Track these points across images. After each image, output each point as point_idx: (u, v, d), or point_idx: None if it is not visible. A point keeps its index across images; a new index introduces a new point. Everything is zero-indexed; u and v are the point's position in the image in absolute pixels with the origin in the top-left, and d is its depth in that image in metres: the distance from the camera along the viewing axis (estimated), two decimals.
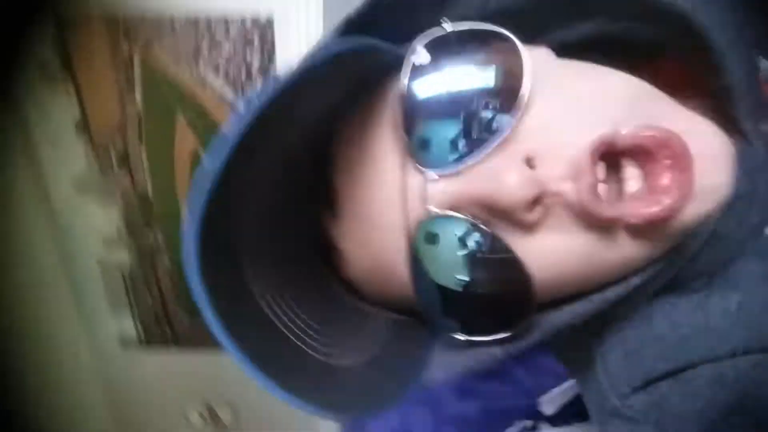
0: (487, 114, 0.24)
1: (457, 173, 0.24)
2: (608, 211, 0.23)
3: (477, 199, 0.24)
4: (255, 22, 1.01)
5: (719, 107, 0.27)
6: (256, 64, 1.05)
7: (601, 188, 0.24)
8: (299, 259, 0.29)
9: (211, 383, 1.54)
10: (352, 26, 0.29)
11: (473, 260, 0.24)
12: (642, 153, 0.23)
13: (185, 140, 1.13)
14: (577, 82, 0.26)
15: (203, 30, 1.02)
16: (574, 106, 0.24)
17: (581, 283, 0.26)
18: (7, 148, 1.13)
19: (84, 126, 1.13)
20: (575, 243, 0.24)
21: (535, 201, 0.23)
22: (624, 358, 0.28)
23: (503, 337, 0.26)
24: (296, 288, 0.28)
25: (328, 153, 0.29)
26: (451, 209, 0.24)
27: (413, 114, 0.25)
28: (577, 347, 0.32)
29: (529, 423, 0.45)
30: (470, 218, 0.24)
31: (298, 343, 0.26)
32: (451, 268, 0.25)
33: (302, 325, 0.26)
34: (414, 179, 0.25)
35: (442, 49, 0.26)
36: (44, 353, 1.30)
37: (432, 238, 0.25)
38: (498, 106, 0.24)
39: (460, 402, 0.55)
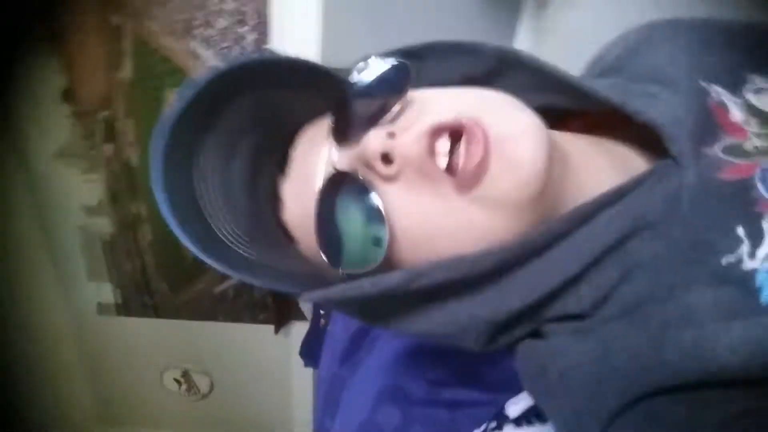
0: (379, 110, 0.34)
1: (352, 146, 0.34)
2: (436, 164, 0.31)
3: (356, 156, 0.33)
4: None
5: (647, 133, 0.33)
6: (250, 39, 1.05)
7: (439, 150, 0.31)
8: (249, 201, 0.36)
9: (189, 351, 1.58)
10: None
11: (354, 204, 0.33)
12: (458, 134, 0.31)
13: None
14: (440, 91, 0.36)
15: (198, 1, 1.01)
16: (434, 102, 0.34)
17: (440, 243, 0.32)
18: None
19: (70, 95, 1.12)
20: (421, 198, 0.31)
21: (388, 158, 0.31)
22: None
23: (370, 271, 0.33)
24: (242, 217, 0.35)
25: (293, 139, 0.38)
26: (346, 168, 0.33)
27: (342, 110, 0.35)
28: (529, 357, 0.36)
29: (493, 423, 0.48)
30: (353, 172, 0.33)
31: (227, 241, 0.34)
32: (337, 208, 0.33)
33: (236, 237, 0.34)
34: (333, 149, 0.35)
35: (366, 72, 0.34)
36: (22, 318, 1.32)
37: (333, 189, 0.33)
38: (386, 107, 0.34)
39: (430, 403, 0.59)
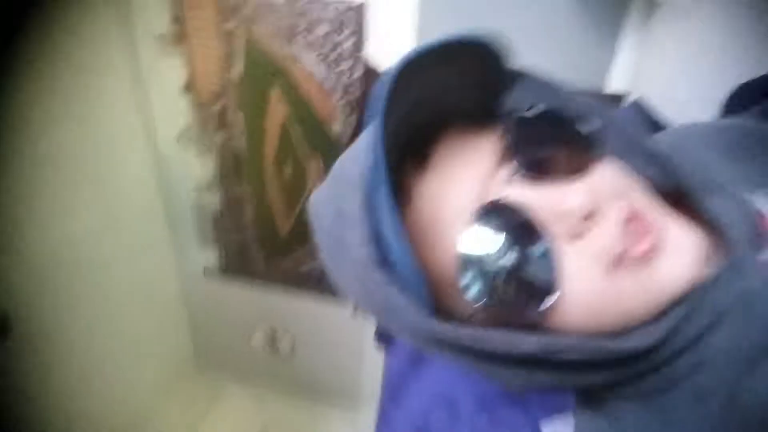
0: (567, 161, 0.32)
1: (536, 182, 0.31)
2: (623, 247, 0.30)
3: (545, 199, 0.30)
4: (349, 6, 1.06)
5: (714, 235, 0.33)
6: (347, 46, 1.11)
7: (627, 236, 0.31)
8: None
9: (277, 316, 1.75)
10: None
11: (519, 243, 0.30)
12: (638, 221, 0.30)
13: (277, 109, 1.24)
14: (615, 167, 0.34)
15: (301, 9, 1.09)
16: (617, 178, 0.33)
17: (588, 314, 0.30)
18: (123, 101, 1.28)
19: (190, 88, 1.27)
20: (597, 268, 0.30)
21: (588, 216, 0.30)
22: None
23: (506, 326, 0.30)
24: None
25: (436, 132, 0.35)
26: (523, 204, 0.31)
27: (519, 136, 0.33)
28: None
29: None
30: (534, 213, 0.30)
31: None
32: (496, 248, 0.30)
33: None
34: (502, 173, 0.32)
35: (550, 115, 0.34)
36: (136, 275, 1.53)
37: (497, 217, 0.30)
38: (576, 160, 0.33)
39: (474, 415, 0.61)
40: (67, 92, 1.12)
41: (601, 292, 0.30)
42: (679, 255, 0.30)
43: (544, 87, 0.37)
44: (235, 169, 1.40)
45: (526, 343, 0.29)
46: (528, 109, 0.34)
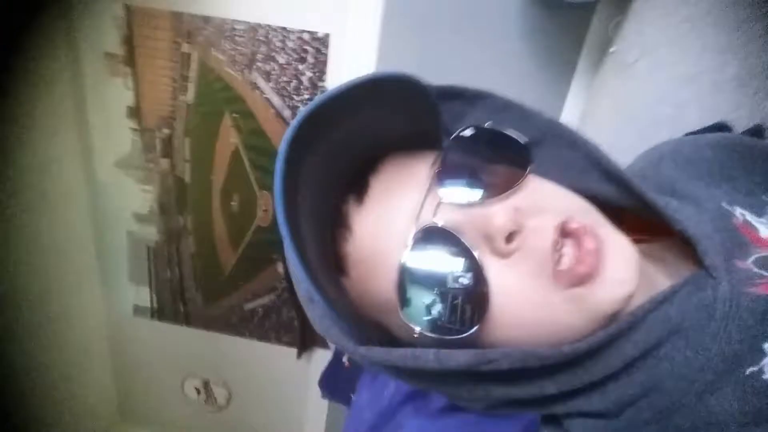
0: (496, 178, 0.34)
1: (464, 207, 0.32)
2: (553, 260, 0.30)
3: (471, 220, 0.32)
4: (312, 36, 1.06)
5: (684, 245, 0.34)
6: (306, 77, 1.10)
7: (561, 249, 0.31)
8: (320, 220, 0.34)
9: (212, 363, 1.62)
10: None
11: (450, 266, 0.31)
12: (575, 238, 0.31)
13: (228, 137, 1.19)
14: (554, 186, 0.35)
15: (261, 37, 1.08)
16: (552, 195, 0.34)
17: (523, 329, 0.31)
18: (62, 121, 1.19)
19: (135, 112, 1.20)
20: (524, 283, 0.31)
21: (511, 236, 0.31)
22: None
23: (443, 341, 0.32)
24: (315, 242, 0.33)
25: (374, 164, 0.36)
26: (452, 228, 0.32)
27: (448, 160, 0.34)
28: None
29: None
30: (462, 235, 0.31)
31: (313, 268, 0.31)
32: (433, 267, 0.32)
33: (315, 262, 0.32)
34: (432, 199, 0.33)
35: (482, 135, 0.36)
36: (63, 311, 1.39)
37: (429, 242, 0.32)
38: (503, 178, 0.34)
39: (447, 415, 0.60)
40: (3, 106, 1.02)
41: (534, 308, 0.31)
42: (619, 270, 0.30)
43: (504, 110, 0.39)
44: (177, 199, 1.31)
45: (457, 357, 0.31)
46: (462, 129, 0.35)
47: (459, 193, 0.33)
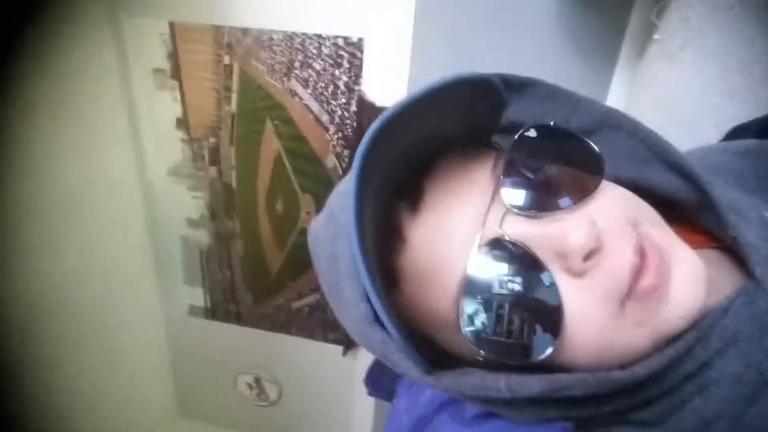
0: (566, 186, 0.31)
1: (533, 217, 0.30)
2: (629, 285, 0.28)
3: (545, 235, 0.29)
4: (346, 41, 1.08)
5: (735, 253, 0.32)
6: (344, 80, 1.12)
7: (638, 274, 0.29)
8: (372, 234, 0.31)
9: (264, 360, 1.68)
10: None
11: (521, 284, 0.29)
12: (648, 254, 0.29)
13: (270, 144, 1.23)
14: (629, 195, 0.33)
15: (298, 45, 1.10)
16: (621, 203, 0.31)
17: (592, 352, 0.29)
18: (117, 135, 1.27)
19: (184, 123, 1.26)
20: (597, 305, 0.29)
21: (590, 254, 0.28)
22: None
23: (512, 367, 0.29)
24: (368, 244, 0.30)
25: (428, 165, 0.34)
26: (522, 241, 0.29)
27: (513, 164, 0.31)
28: None
29: None
30: (535, 250, 0.29)
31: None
32: (501, 284, 0.29)
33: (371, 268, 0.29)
34: (497, 207, 0.30)
35: (548, 134, 0.33)
36: (119, 313, 1.47)
37: (497, 256, 0.29)
38: (575, 185, 0.30)
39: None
40: (62, 125, 1.11)
41: (607, 331, 0.29)
42: (687, 287, 0.29)
43: (553, 98, 0.36)
44: (225, 205, 1.37)
45: (530, 385, 0.28)
46: (526, 129, 0.32)
47: (527, 202, 0.30)
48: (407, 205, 0.33)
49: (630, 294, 0.28)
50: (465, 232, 0.30)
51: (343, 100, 1.14)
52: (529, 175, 0.31)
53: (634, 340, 0.29)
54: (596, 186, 0.30)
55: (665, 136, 0.82)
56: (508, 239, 0.29)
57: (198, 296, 1.59)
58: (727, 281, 0.34)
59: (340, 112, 1.15)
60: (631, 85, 1.01)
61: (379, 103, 1.11)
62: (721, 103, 0.68)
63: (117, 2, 1.14)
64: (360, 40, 1.07)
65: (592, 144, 0.32)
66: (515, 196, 0.30)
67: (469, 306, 0.29)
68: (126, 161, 1.32)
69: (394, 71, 1.07)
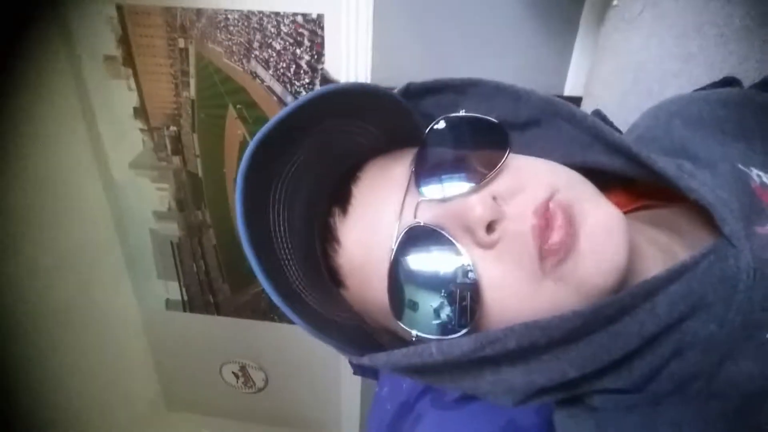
0: (473, 166, 0.33)
1: (443, 200, 0.32)
2: (537, 244, 0.29)
3: (451, 214, 0.31)
4: (306, 18, 1.04)
5: (701, 212, 0.33)
6: (305, 60, 1.08)
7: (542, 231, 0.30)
8: (306, 237, 0.35)
9: (247, 348, 1.67)
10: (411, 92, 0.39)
11: (438, 264, 0.31)
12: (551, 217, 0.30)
13: (234, 129, 1.19)
14: (536, 162, 0.35)
15: (255, 25, 1.06)
16: (532, 173, 0.33)
17: (520, 315, 0.30)
18: (72, 129, 1.21)
19: (141, 112, 1.21)
20: (513, 271, 0.30)
21: (492, 225, 0.30)
22: None
23: (441, 338, 0.31)
24: (299, 254, 0.34)
25: (355, 174, 0.36)
26: (434, 224, 0.31)
27: (424, 156, 0.34)
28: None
29: None
30: (445, 231, 0.31)
31: (291, 282, 0.32)
32: (420, 268, 0.31)
33: (299, 277, 0.33)
34: (411, 199, 0.33)
35: (455, 125, 0.35)
36: (98, 311, 1.43)
37: (413, 242, 0.31)
38: (481, 166, 0.32)
39: None
40: (14, 123, 1.05)
41: (528, 295, 0.30)
42: (598, 237, 0.29)
43: (496, 94, 0.38)
44: (193, 195, 1.33)
45: (459, 344, 0.30)
46: (435, 123, 0.35)
47: (438, 189, 0.32)
48: (338, 210, 0.36)
49: (542, 256, 0.29)
50: (386, 225, 0.32)
51: (307, 80, 1.10)
52: (439, 163, 0.33)
53: (559, 298, 0.30)
54: (500, 161, 0.32)
55: (630, 102, 0.82)
56: (422, 224, 0.31)
57: (174, 290, 1.56)
58: (697, 241, 0.34)
59: (304, 92, 1.12)
60: (592, 53, 1.00)
61: (343, 81, 1.08)
62: (681, 67, 0.67)
63: None
64: (320, 16, 1.04)
65: (494, 120, 0.34)
66: (427, 185, 0.32)
67: (398, 293, 0.32)
68: (85, 156, 1.27)
69: (357, 47, 1.04)
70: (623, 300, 0.29)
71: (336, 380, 1.63)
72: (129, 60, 1.13)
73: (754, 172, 0.34)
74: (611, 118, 0.54)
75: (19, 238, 1.11)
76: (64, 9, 1.09)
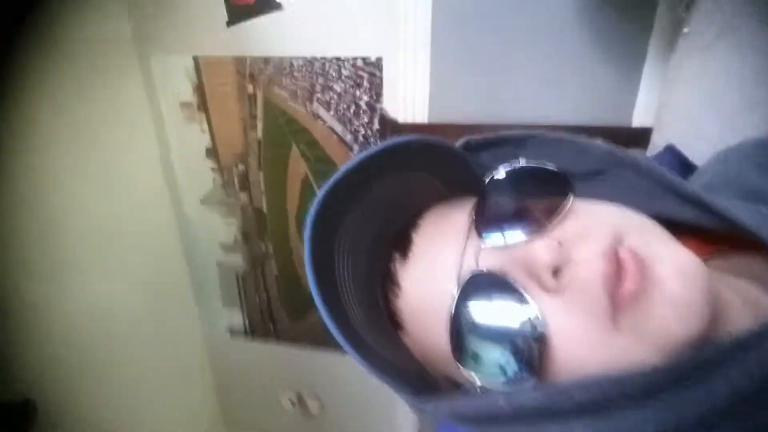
0: (535, 214, 0.32)
1: (506, 247, 0.31)
2: (606, 292, 0.28)
3: (515, 261, 0.30)
4: (366, 61, 1.08)
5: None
6: (365, 100, 1.13)
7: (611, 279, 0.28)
8: (368, 281, 0.36)
9: (304, 376, 1.70)
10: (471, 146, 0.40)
11: (503, 313, 0.30)
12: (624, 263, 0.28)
13: (297, 167, 1.25)
14: (601, 205, 0.33)
15: (318, 70, 1.12)
16: (598, 216, 0.31)
17: (589, 367, 0.28)
18: (150, 168, 1.32)
19: (213, 152, 1.30)
20: (580, 320, 0.28)
21: (559, 270, 0.29)
22: None
23: (511, 389, 0.30)
24: (360, 297, 0.34)
25: (415, 221, 0.37)
26: (497, 271, 0.31)
27: (484, 204, 0.33)
28: None
29: None
30: (509, 278, 0.30)
31: (352, 322, 0.33)
32: (485, 316, 0.30)
33: (359, 318, 0.34)
34: (473, 245, 0.32)
35: (516, 174, 0.35)
36: (165, 337, 1.51)
37: (476, 290, 0.30)
38: (544, 213, 0.32)
39: None
40: (99, 163, 1.15)
41: (599, 347, 0.28)
42: (674, 283, 0.27)
43: (555, 145, 0.38)
44: (258, 229, 1.40)
45: (531, 395, 0.28)
46: (496, 172, 0.34)
47: (500, 236, 0.32)
48: (399, 255, 0.35)
49: (616, 305, 0.28)
50: (446, 272, 0.32)
51: (366, 119, 1.14)
52: (500, 211, 0.33)
53: (632, 350, 0.28)
54: (564, 207, 0.31)
55: (706, 132, 0.78)
56: (485, 271, 0.31)
57: (237, 318, 1.62)
58: None
59: (363, 131, 1.16)
60: (661, 82, 0.97)
61: (401, 120, 1.11)
62: (766, 94, 0.64)
63: (144, 41, 1.18)
64: (379, 59, 1.08)
65: (554, 169, 0.33)
66: (489, 233, 0.32)
67: (460, 341, 0.31)
68: (160, 193, 1.37)
69: (414, 87, 1.07)
70: (709, 354, 0.27)
71: (390, 411, 1.62)
72: (203, 105, 1.23)
73: None
74: (687, 150, 0.52)
75: (95, 266, 1.19)
76: (149, 61, 1.20)
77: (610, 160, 0.36)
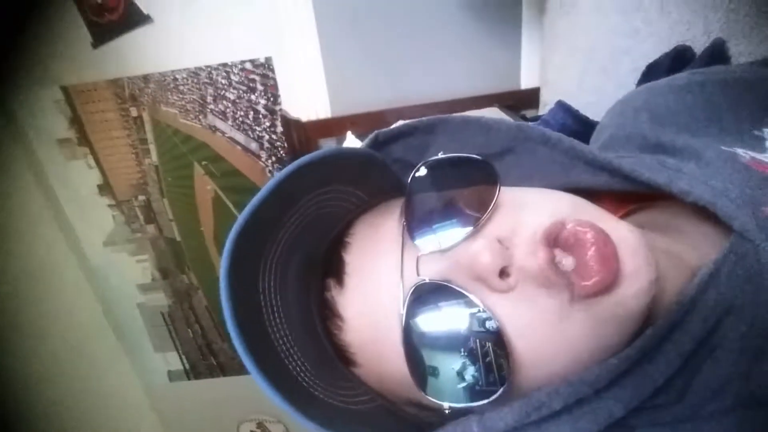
0: (465, 208, 0.30)
1: (444, 251, 0.29)
2: (563, 277, 0.27)
3: (457, 266, 0.28)
4: (254, 63, 1.04)
5: (703, 211, 0.30)
6: (261, 105, 1.08)
7: (558, 259, 0.27)
8: (304, 320, 0.32)
9: (261, 402, 1.61)
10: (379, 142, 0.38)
11: (455, 320, 0.28)
12: (574, 243, 0.27)
13: (204, 186, 1.17)
14: (531, 192, 0.33)
15: (206, 80, 1.05)
16: (531, 205, 0.30)
17: (558, 362, 0.28)
18: (38, 219, 1.18)
19: (106, 188, 1.19)
20: (538, 313, 0.27)
21: (505, 270, 0.27)
22: None
23: (481, 406, 0.28)
24: (300, 343, 0.30)
25: (342, 240, 0.33)
26: (441, 279, 0.28)
27: (412, 207, 0.31)
28: None
29: None
30: (454, 285, 0.28)
31: (299, 380, 0.29)
32: (436, 328, 0.28)
33: (305, 370, 0.29)
34: (410, 254, 0.29)
35: (437, 168, 0.32)
36: (98, 397, 1.38)
37: (423, 303, 0.28)
38: (474, 206, 0.30)
39: None
40: None
41: (558, 338, 0.27)
42: (626, 267, 0.27)
43: (464, 129, 0.36)
44: (175, 260, 1.30)
45: (504, 416, 0.27)
46: (416, 171, 0.32)
47: (435, 239, 0.29)
48: (334, 282, 0.32)
49: (578, 290, 0.26)
50: (389, 290, 0.29)
51: (267, 124, 1.09)
52: (429, 210, 0.30)
53: (593, 328, 0.27)
54: (494, 198, 0.29)
55: (588, 83, 0.81)
56: (428, 281, 0.28)
57: (173, 360, 1.51)
58: (703, 239, 0.32)
59: (267, 137, 1.11)
60: (540, 43, 1.00)
61: (305, 118, 1.07)
62: (630, 43, 0.67)
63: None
64: (268, 59, 1.04)
65: (477, 156, 0.31)
66: (422, 236, 0.29)
67: (417, 360, 0.28)
68: (57, 243, 1.23)
69: (311, 84, 1.04)
70: (660, 331, 0.27)
71: None
72: (84, 139, 1.11)
73: (739, 150, 0.32)
74: (571, 101, 0.53)
75: (12, 335, 1.07)
76: (9, 97, 1.07)
77: (519, 137, 0.36)
